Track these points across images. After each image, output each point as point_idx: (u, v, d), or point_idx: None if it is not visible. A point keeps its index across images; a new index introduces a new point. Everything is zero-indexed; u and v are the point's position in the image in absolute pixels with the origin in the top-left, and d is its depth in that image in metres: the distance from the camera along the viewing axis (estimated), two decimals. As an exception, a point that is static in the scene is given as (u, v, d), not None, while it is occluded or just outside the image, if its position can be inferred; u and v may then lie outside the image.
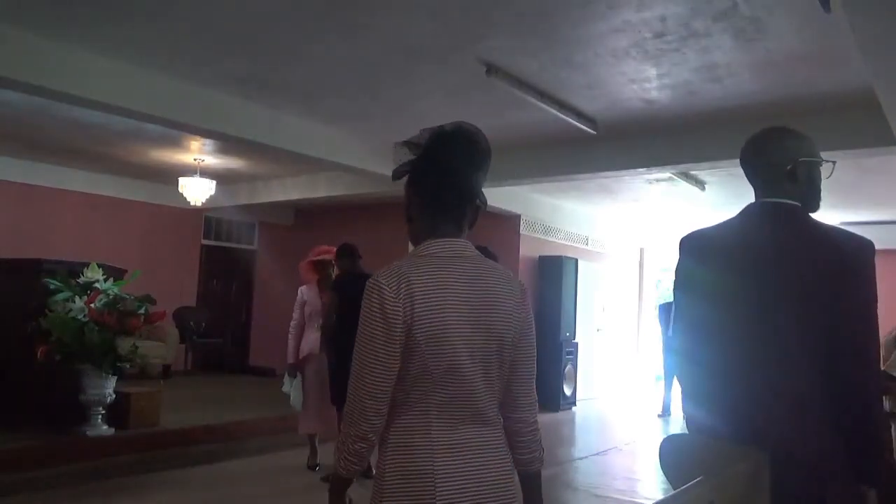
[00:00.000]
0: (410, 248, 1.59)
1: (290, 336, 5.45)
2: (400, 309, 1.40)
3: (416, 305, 1.40)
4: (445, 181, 1.52)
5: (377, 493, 1.46)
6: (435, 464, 1.41)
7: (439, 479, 1.40)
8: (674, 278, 1.89)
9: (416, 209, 1.56)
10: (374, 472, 1.53)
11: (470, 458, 1.44)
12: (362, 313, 1.44)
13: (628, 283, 11.90)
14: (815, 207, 1.79)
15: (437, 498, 1.39)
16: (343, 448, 1.47)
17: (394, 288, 1.41)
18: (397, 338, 1.40)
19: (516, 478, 1.57)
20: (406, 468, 1.42)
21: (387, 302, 1.40)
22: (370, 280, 1.45)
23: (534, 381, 1.60)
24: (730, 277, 1.72)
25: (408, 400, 1.44)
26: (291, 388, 5.41)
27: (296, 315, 5.48)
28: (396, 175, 1.59)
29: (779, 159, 1.75)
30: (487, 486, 1.45)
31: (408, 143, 1.58)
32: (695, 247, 1.85)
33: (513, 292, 1.55)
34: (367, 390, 1.41)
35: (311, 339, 5.36)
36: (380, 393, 1.41)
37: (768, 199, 1.77)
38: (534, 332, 1.60)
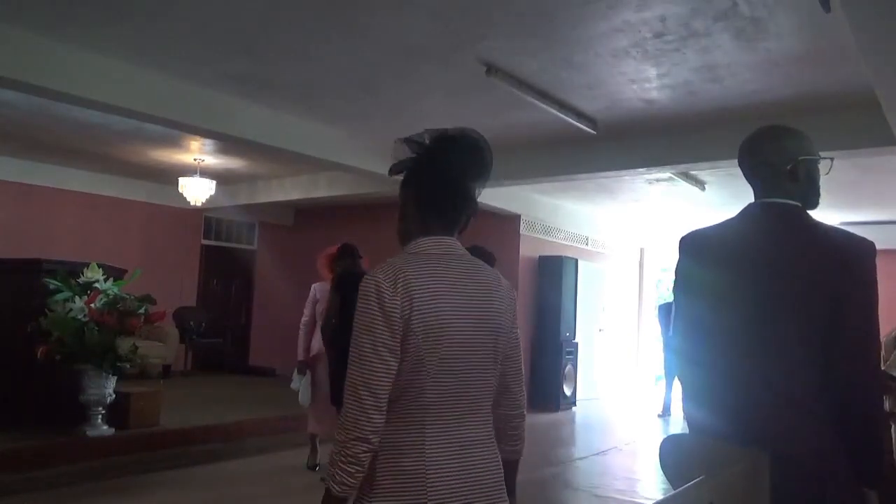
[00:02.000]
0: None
1: (300, 333, 5.40)
2: (398, 303, 1.40)
3: (414, 300, 1.41)
4: (446, 187, 1.53)
5: (366, 492, 1.43)
6: (427, 463, 1.40)
7: (430, 478, 1.39)
8: (673, 278, 1.89)
9: (412, 208, 1.57)
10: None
11: (462, 457, 1.44)
12: (359, 310, 1.42)
13: (628, 283, 11.90)
14: (815, 205, 1.78)
15: (429, 498, 1.38)
16: (338, 458, 1.37)
17: (391, 283, 1.41)
18: (397, 332, 1.39)
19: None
20: (397, 468, 1.41)
21: (385, 296, 1.40)
22: (366, 277, 1.45)
23: (522, 373, 1.67)
24: (729, 278, 1.71)
25: (401, 398, 1.42)
26: (301, 385, 5.36)
27: (306, 312, 5.44)
28: (393, 171, 1.60)
29: (777, 159, 1.74)
30: (479, 483, 1.46)
31: (408, 141, 1.57)
32: (694, 247, 1.84)
33: (501, 287, 1.59)
34: (368, 387, 1.37)
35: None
36: (381, 390, 1.38)
37: (767, 200, 1.76)
38: (518, 329, 1.66)
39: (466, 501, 1.43)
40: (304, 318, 5.43)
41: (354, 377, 1.39)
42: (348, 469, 1.36)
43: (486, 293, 1.53)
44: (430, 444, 1.41)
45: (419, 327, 1.40)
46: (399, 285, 1.41)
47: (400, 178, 1.61)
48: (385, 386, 1.39)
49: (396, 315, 1.39)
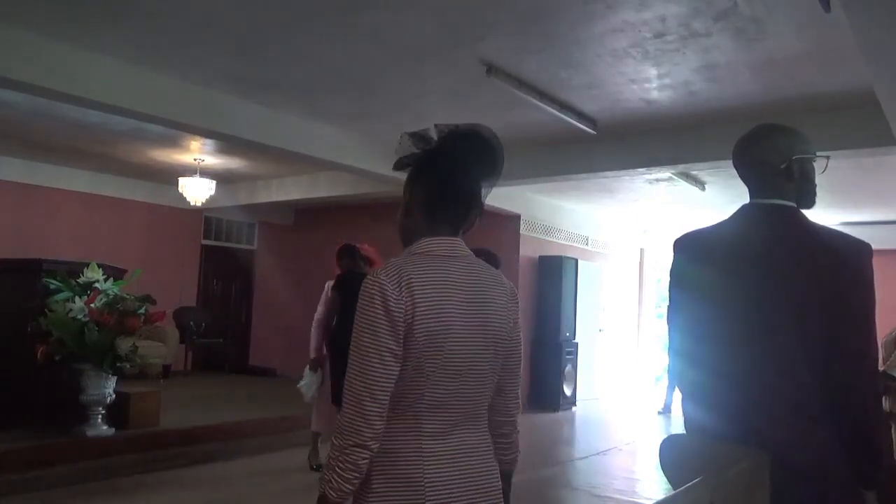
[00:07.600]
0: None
1: (313, 329, 5.35)
2: (402, 306, 1.36)
3: (417, 303, 1.36)
4: (453, 184, 1.49)
5: (361, 499, 1.39)
6: (425, 471, 1.37)
7: (429, 487, 1.36)
8: (668, 279, 1.88)
9: (417, 205, 1.51)
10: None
11: (461, 465, 1.42)
12: (361, 311, 1.37)
13: (628, 284, 11.90)
14: (811, 204, 1.76)
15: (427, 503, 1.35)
16: (337, 463, 1.33)
17: (395, 285, 1.37)
18: (400, 335, 1.35)
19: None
20: (393, 474, 1.37)
21: (389, 299, 1.35)
22: (369, 277, 1.40)
23: (519, 379, 1.61)
24: (725, 279, 1.70)
25: (399, 404, 1.38)
26: (310, 382, 5.27)
27: (320, 309, 5.40)
28: (398, 166, 1.55)
29: (772, 158, 1.72)
30: (477, 490, 1.43)
31: (413, 135, 1.52)
32: (689, 247, 1.83)
33: (504, 291, 1.55)
34: (370, 391, 1.33)
35: None
36: (382, 394, 1.34)
37: (763, 201, 1.74)
38: (521, 332, 1.60)
39: None
40: (318, 316, 5.38)
41: (355, 381, 1.35)
42: (346, 475, 1.33)
43: (489, 297, 1.49)
44: (428, 450, 1.38)
45: (421, 332, 1.36)
46: (403, 288, 1.36)
47: (404, 174, 1.55)
48: (387, 390, 1.35)
49: (400, 318, 1.35)
